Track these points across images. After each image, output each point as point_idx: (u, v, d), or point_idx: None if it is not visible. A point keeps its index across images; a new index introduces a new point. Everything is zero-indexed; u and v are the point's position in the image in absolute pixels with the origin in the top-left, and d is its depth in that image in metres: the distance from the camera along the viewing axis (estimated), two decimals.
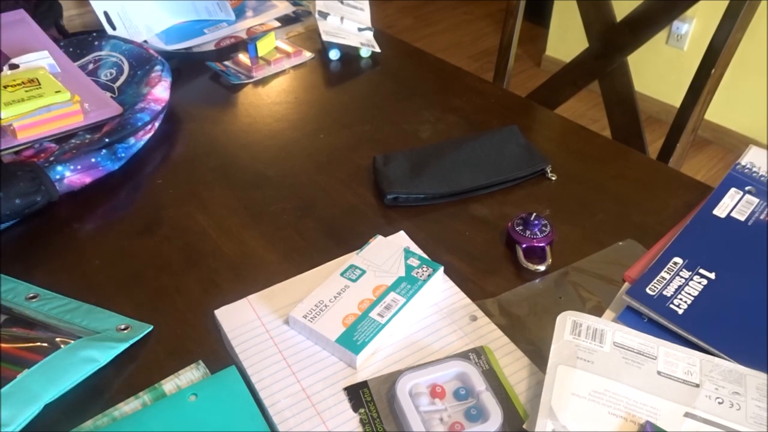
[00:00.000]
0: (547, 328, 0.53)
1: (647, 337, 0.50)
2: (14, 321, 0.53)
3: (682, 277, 0.56)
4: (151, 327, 0.55)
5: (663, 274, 0.56)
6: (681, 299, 0.54)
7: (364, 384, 0.48)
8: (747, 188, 0.65)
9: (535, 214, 0.63)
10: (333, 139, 0.81)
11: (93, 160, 0.70)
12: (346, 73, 0.96)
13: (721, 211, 0.63)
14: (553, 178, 0.73)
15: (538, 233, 0.62)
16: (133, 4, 0.97)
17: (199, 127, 0.83)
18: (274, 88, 0.92)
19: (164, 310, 0.57)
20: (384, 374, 0.49)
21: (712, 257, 0.57)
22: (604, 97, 1.11)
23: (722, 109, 2.21)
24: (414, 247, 0.61)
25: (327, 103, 0.88)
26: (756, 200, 0.64)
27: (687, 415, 0.44)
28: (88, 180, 0.70)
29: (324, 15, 1.01)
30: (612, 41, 1.07)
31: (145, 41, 0.98)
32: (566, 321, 0.51)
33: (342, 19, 1.01)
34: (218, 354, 0.52)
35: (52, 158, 0.68)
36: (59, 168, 0.67)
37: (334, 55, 0.99)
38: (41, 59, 0.80)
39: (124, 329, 0.54)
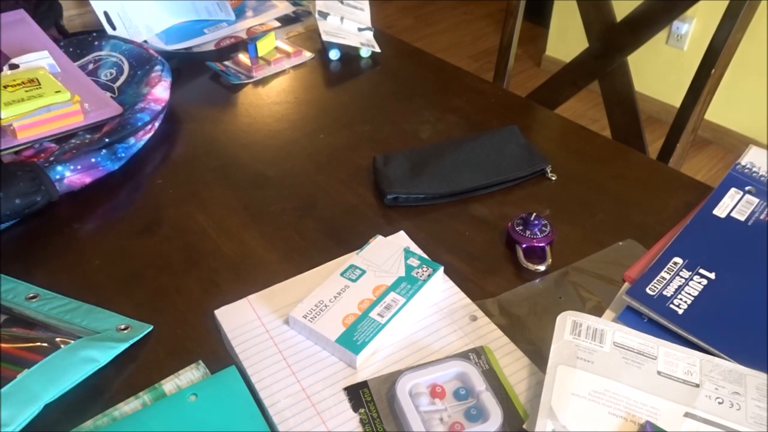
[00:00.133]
0: (547, 328, 0.53)
1: (647, 337, 0.50)
2: (14, 321, 0.53)
3: (682, 277, 0.56)
4: (151, 327, 0.55)
5: (663, 274, 0.56)
6: (681, 299, 0.54)
7: (364, 384, 0.48)
8: (747, 188, 0.65)
9: (535, 214, 0.63)
10: (333, 139, 0.81)
11: (93, 160, 0.70)
12: (346, 73, 0.96)
13: (721, 211, 0.63)
14: (553, 178, 0.73)
15: (538, 233, 0.62)
16: (133, 4, 0.97)
17: (199, 127, 0.83)
18: (274, 88, 0.92)
19: (164, 310, 0.57)
20: (384, 374, 0.49)
21: (712, 257, 0.57)
22: (604, 97, 1.11)
23: (722, 109, 2.21)
24: (414, 247, 0.61)
25: (327, 103, 0.88)
26: (756, 200, 0.64)
27: (687, 415, 0.44)
28: (88, 180, 0.70)
29: (324, 15, 1.01)
30: (612, 41, 1.07)
31: (145, 41, 0.98)
32: (566, 321, 0.51)
33: (342, 19, 1.01)
34: (218, 354, 0.52)
35: (52, 158, 0.68)
36: (59, 168, 0.67)
37: (334, 55, 0.99)
38: (41, 59, 0.80)
39: (124, 329, 0.54)
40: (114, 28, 0.95)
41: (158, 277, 0.60)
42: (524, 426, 0.45)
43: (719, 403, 0.45)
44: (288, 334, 0.52)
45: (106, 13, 0.94)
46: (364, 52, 1.00)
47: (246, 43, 1.01)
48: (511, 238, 0.62)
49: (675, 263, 0.57)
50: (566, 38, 2.62)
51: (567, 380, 0.46)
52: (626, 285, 0.58)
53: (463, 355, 0.50)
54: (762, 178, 0.66)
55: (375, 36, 1.03)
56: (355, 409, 0.47)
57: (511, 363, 0.50)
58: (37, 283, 0.58)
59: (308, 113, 0.86)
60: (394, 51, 1.02)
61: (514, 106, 0.88)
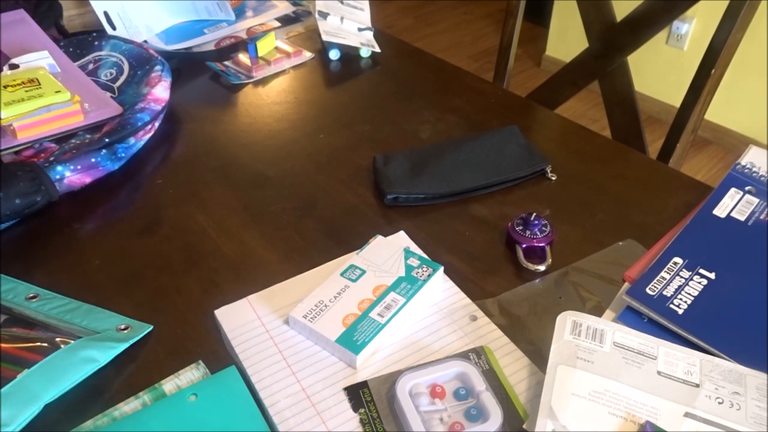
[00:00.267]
0: (547, 328, 0.53)
1: (647, 337, 0.50)
2: (14, 321, 0.53)
3: (682, 277, 0.56)
4: (151, 327, 0.55)
5: (663, 274, 0.56)
6: (681, 299, 0.54)
7: (364, 384, 0.48)
8: (747, 188, 0.65)
9: (535, 214, 0.63)
10: (333, 139, 0.81)
11: (93, 160, 0.70)
12: (346, 73, 0.96)
13: (721, 211, 0.63)
14: (553, 178, 0.73)
15: (538, 233, 0.62)
16: (133, 4, 0.97)
17: (199, 127, 0.83)
18: (274, 88, 0.92)
19: (164, 310, 0.57)
20: (384, 374, 0.49)
21: (712, 257, 0.57)
22: (604, 97, 1.11)
23: (722, 109, 2.21)
24: (414, 247, 0.61)
25: (327, 103, 0.88)
26: (756, 200, 0.64)
27: (687, 415, 0.44)
28: (88, 180, 0.70)
29: (324, 15, 1.01)
30: (612, 41, 1.07)
31: (145, 41, 0.98)
32: (566, 321, 0.51)
33: (342, 19, 1.01)
34: (218, 354, 0.52)
35: (52, 158, 0.68)
36: (59, 168, 0.67)
37: (334, 55, 0.99)
38: (41, 59, 0.80)
39: (124, 329, 0.54)
40: (114, 28, 0.95)
41: (158, 277, 0.60)
42: (524, 426, 0.45)
43: (719, 403, 0.45)
44: (288, 334, 0.52)
45: (106, 13, 0.94)
46: (364, 52, 1.00)
47: (246, 43, 1.01)
48: (511, 238, 0.62)
49: (675, 263, 0.57)
50: (566, 38, 2.62)
51: (567, 380, 0.46)
52: (626, 285, 0.58)
53: (463, 355, 0.50)
54: (762, 178, 0.66)
55: (375, 36, 1.03)
56: (355, 409, 0.47)
57: (511, 363, 0.50)
58: (37, 283, 0.58)
59: (308, 113, 0.86)
60: (394, 51, 1.02)
61: (514, 106, 0.88)
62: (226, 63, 0.97)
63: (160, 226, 0.66)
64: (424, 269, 0.56)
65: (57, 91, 0.73)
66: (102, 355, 0.51)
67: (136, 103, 0.77)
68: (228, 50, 1.01)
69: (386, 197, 0.68)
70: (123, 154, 0.73)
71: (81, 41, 0.90)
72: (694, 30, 2.20)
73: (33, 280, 0.59)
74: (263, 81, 0.93)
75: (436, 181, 0.70)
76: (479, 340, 0.52)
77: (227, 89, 0.91)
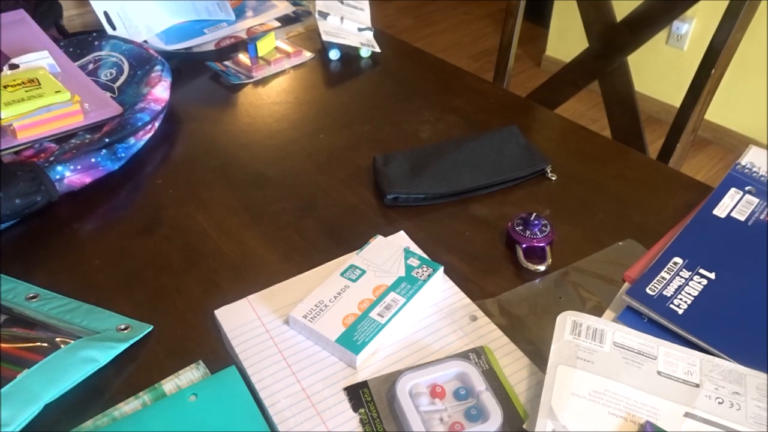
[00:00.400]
0: (547, 328, 0.53)
1: (647, 337, 0.50)
2: (14, 321, 0.53)
3: (682, 277, 0.56)
4: (151, 327, 0.55)
5: (663, 274, 0.56)
6: (681, 299, 0.54)
7: (364, 384, 0.48)
8: (747, 188, 0.65)
9: (535, 214, 0.63)
10: (333, 139, 0.81)
11: (93, 160, 0.70)
12: (346, 73, 0.96)
13: (721, 211, 0.63)
14: (553, 178, 0.73)
15: (538, 233, 0.62)
16: (133, 4, 0.97)
17: (199, 127, 0.83)
18: (274, 88, 0.92)
19: (164, 310, 0.57)
20: (384, 374, 0.49)
21: (712, 257, 0.57)
22: (604, 97, 1.11)
23: (722, 109, 2.21)
24: (414, 247, 0.61)
25: (327, 103, 0.88)
26: (756, 200, 0.64)
27: (687, 415, 0.44)
28: (88, 180, 0.70)
29: (324, 15, 1.01)
30: (612, 41, 1.07)
31: (145, 41, 0.98)
32: (566, 321, 0.51)
33: (342, 19, 1.01)
34: (218, 354, 0.52)
35: (52, 158, 0.68)
36: (59, 168, 0.67)
37: (334, 55, 0.99)
38: (41, 59, 0.80)
39: (124, 329, 0.54)
40: (114, 28, 0.95)
41: (158, 277, 0.60)
42: (524, 426, 0.45)
43: (719, 403, 0.45)
44: (288, 334, 0.52)
45: (106, 13, 0.94)
46: (364, 52, 1.00)
47: (246, 43, 1.01)
48: (511, 238, 0.62)
49: (675, 263, 0.57)
50: (566, 38, 2.62)
51: (567, 380, 0.46)
52: (626, 285, 0.58)
53: (463, 355, 0.50)
54: (762, 178, 0.66)
55: (375, 36, 1.03)
56: (355, 409, 0.47)
57: (511, 363, 0.50)
58: (37, 283, 0.58)
59: (308, 113, 0.86)
60: (394, 51, 1.02)
61: (514, 106, 0.88)
62: (226, 63, 0.97)
63: (160, 226, 0.66)
64: (424, 269, 0.56)
65: (57, 91, 0.73)
66: (102, 355, 0.51)
67: (136, 103, 0.77)
68: (228, 50, 1.01)
69: (386, 197, 0.68)
70: (123, 154, 0.73)
71: (81, 41, 0.90)
72: (694, 30, 2.20)
73: (33, 280, 0.59)
74: (263, 81, 0.93)
75: (436, 181, 0.70)
76: (479, 340, 0.52)
77: (227, 89, 0.91)
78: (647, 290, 0.54)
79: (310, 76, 0.95)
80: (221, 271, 0.61)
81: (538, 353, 0.51)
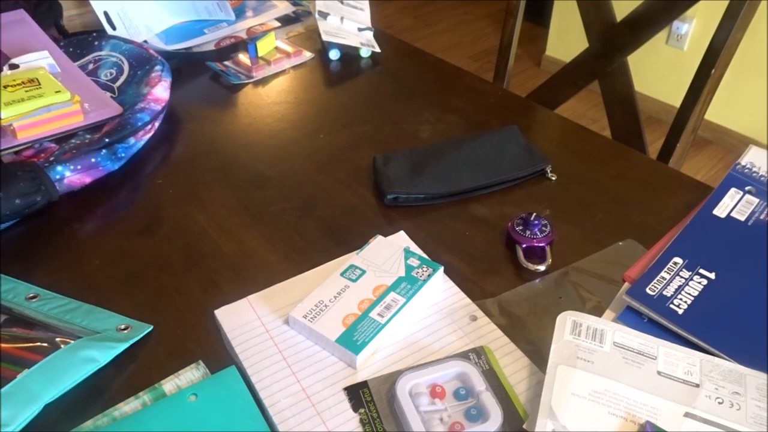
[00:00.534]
0: (547, 328, 0.53)
1: (647, 337, 0.50)
2: (14, 321, 0.53)
3: (682, 277, 0.56)
4: (151, 327, 0.55)
5: (663, 274, 0.56)
6: (681, 299, 0.54)
7: (364, 384, 0.48)
8: (747, 188, 0.65)
9: (535, 214, 0.63)
10: (333, 139, 0.81)
11: (93, 160, 0.70)
12: (346, 73, 0.96)
13: (721, 211, 0.63)
14: (553, 178, 0.73)
15: (538, 233, 0.62)
16: (133, 4, 0.97)
17: (199, 127, 0.83)
18: (274, 88, 0.92)
19: (164, 310, 0.57)
20: (384, 374, 0.49)
21: (712, 257, 0.57)
22: (604, 97, 1.11)
23: (722, 109, 2.21)
24: (414, 247, 0.61)
25: (327, 103, 0.88)
26: (756, 200, 0.64)
27: (687, 415, 0.44)
28: (88, 180, 0.70)
29: (324, 15, 1.01)
30: (612, 41, 1.07)
31: (145, 41, 0.98)
32: (566, 321, 0.51)
33: (342, 19, 1.01)
34: (218, 354, 0.52)
35: (52, 158, 0.68)
36: (59, 168, 0.67)
37: (334, 55, 0.99)
38: (41, 59, 0.80)
39: (124, 329, 0.54)
40: (114, 28, 0.95)
41: (158, 277, 0.60)
42: (524, 426, 0.45)
43: (719, 403, 0.45)
44: (288, 334, 0.52)
45: (106, 13, 0.94)
46: (364, 52, 1.00)
47: (246, 43, 1.01)
48: (511, 238, 0.62)
49: (675, 263, 0.57)
50: (566, 38, 2.62)
51: (567, 380, 0.46)
52: (626, 285, 0.58)
53: (463, 355, 0.50)
54: (762, 178, 0.66)
55: (375, 36, 1.03)
56: (355, 409, 0.47)
57: (511, 363, 0.50)
58: (37, 283, 0.58)
59: (308, 113, 0.86)
60: (394, 51, 1.02)
61: (514, 106, 0.88)
62: (226, 63, 0.97)
63: (160, 226, 0.66)
64: (424, 269, 0.56)
65: (57, 91, 0.73)
66: (102, 355, 0.51)
67: (136, 103, 0.77)
68: (228, 50, 1.01)
69: (386, 197, 0.68)
70: (123, 154, 0.73)
71: (81, 41, 0.90)
72: (694, 30, 2.20)
73: (33, 280, 0.59)
74: (263, 81, 0.93)
75: (436, 181, 0.70)
76: (479, 340, 0.52)
77: (227, 89, 0.91)
78: (647, 290, 0.54)
79: (310, 76, 0.95)
80: (221, 271, 0.61)
81: (538, 353, 0.51)
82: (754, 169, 0.67)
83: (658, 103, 2.38)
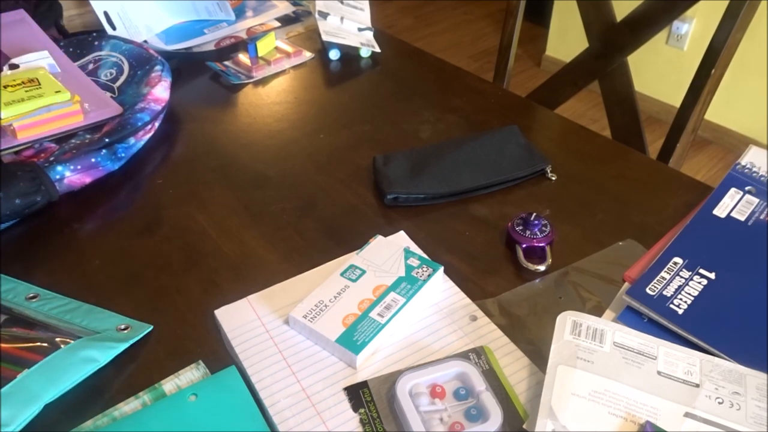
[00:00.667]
0: (547, 328, 0.53)
1: (647, 337, 0.50)
2: (14, 321, 0.53)
3: (682, 277, 0.56)
4: (151, 327, 0.55)
5: (663, 274, 0.56)
6: (681, 299, 0.54)
7: (364, 384, 0.48)
8: (747, 188, 0.65)
9: (535, 214, 0.63)
10: (333, 139, 0.81)
11: (93, 160, 0.70)
12: (346, 73, 0.96)
13: (721, 211, 0.63)
14: (553, 178, 0.73)
15: (538, 233, 0.62)
16: (133, 4, 0.97)
17: (199, 127, 0.83)
18: (274, 88, 0.92)
19: (164, 310, 0.57)
20: (384, 374, 0.49)
21: (712, 257, 0.57)
22: (604, 97, 1.11)
23: (722, 109, 2.21)
24: (414, 247, 0.61)
25: (327, 103, 0.88)
26: (756, 200, 0.64)
27: (687, 415, 0.44)
28: (88, 180, 0.70)
29: (324, 15, 1.01)
30: (612, 41, 1.07)
31: (145, 41, 0.98)
32: (566, 321, 0.51)
33: (342, 19, 1.01)
34: (218, 354, 0.52)
35: (52, 158, 0.68)
36: (59, 168, 0.67)
37: (334, 55, 0.99)
38: (41, 59, 0.80)
39: (124, 329, 0.54)
40: (114, 28, 0.95)
41: (158, 277, 0.60)
42: (524, 426, 0.45)
43: (719, 403, 0.45)
44: (288, 334, 0.52)
45: (106, 13, 0.94)
46: (364, 52, 1.00)
47: (246, 43, 1.01)
48: (511, 238, 0.62)
49: (675, 263, 0.57)
50: (566, 38, 2.62)
51: (567, 380, 0.46)
52: (626, 285, 0.58)
53: (463, 355, 0.50)
54: (762, 178, 0.66)
55: (375, 36, 1.03)
56: (355, 409, 0.47)
57: (511, 363, 0.50)
58: (37, 283, 0.58)
59: (308, 113, 0.86)
60: (394, 51, 1.02)
61: (514, 106, 0.88)
62: (226, 63, 0.97)
63: (160, 226, 0.66)
64: (424, 269, 0.56)
65: (57, 91, 0.73)
66: (102, 355, 0.51)
67: (136, 103, 0.77)
68: (228, 50, 1.01)
69: (386, 197, 0.68)
70: (123, 154, 0.73)
71: (81, 41, 0.90)
72: (694, 30, 2.20)
73: (33, 280, 0.59)
74: (263, 81, 0.93)
75: (436, 181, 0.70)
76: (479, 340, 0.52)
77: (227, 89, 0.91)
78: (647, 290, 0.54)
79: (310, 76, 0.95)
80: (221, 271, 0.61)
81: (538, 353, 0.51)
82: (754, 169, 0.67)
83: (658, 103, 2.38)
